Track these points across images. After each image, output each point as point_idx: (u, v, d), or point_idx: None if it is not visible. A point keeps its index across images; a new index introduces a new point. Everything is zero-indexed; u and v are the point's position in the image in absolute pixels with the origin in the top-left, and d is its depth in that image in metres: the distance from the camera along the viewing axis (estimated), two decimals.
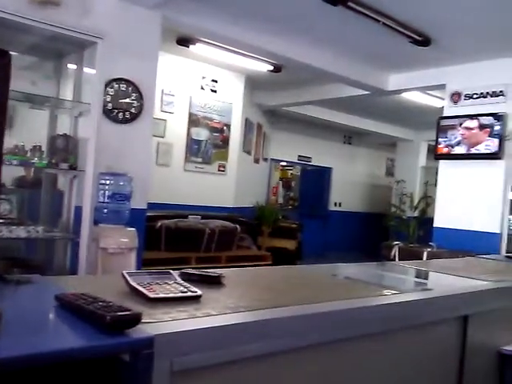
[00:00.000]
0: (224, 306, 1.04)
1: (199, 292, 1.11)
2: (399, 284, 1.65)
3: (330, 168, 10.83)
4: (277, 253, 7.11)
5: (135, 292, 1.09)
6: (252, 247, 7.06)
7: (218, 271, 1.56)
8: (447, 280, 1.83)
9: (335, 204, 10.99)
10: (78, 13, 3.80)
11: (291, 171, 12.09)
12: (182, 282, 1.18)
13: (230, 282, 1.37)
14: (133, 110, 4.29)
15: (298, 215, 10.11)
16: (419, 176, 10.30)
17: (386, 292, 1.41)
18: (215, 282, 1.31)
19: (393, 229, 9.17)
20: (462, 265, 2.27)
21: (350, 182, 11.12)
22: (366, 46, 5.41)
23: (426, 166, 10.11)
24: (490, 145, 5.32)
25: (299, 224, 8.68)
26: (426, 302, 1.41)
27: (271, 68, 6.22)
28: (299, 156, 10.26)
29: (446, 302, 1.47)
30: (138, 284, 1.11)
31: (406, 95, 7.10)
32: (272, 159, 9.79)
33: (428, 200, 8.58)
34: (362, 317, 1.22)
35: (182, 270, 1.32)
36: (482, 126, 5.36)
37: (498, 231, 5.43)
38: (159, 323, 0.92)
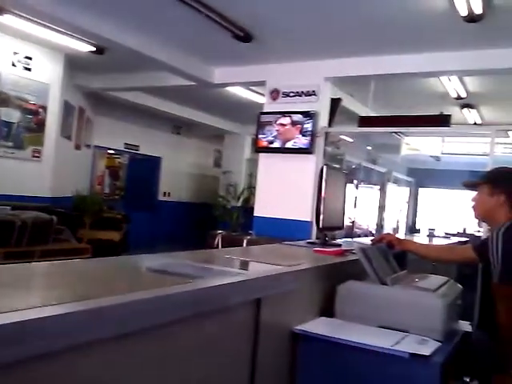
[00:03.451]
0: None
1: None
2: (197, 272, 1.66)
3: (159, 157, 10.71)
4: (100, 245, 6.80)
5: None
6: (71, 240, 6.63)
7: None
8: (245, 265, 1.90)
9: (164, 194, 10.92)
10: None
11: (119, 159, 11.64)
12: None
13: (6, 281, 1.23)
14: None
15: (126, 205, 9.82)
16: (244, 167, 10.77)
17: (180, 281, 1.40)
18: None
19: (219, 218, 9.45)
20: (266, 251, 2.40)
21: (179, 172, 11.14)
22: (192, 37, 5.43)
23: (251, 158, 10.60)
24: (302, 140, 5.76)
25: (125, 214, 8.43)
26: (219, 288, 1.43)
27: (93, 49, 5.87)
28: (126, 144, 9.93)
29: (238, 287, 1.52)
30: None
31: (231, 89, 7.33)
32: (96, 146, 9.31)
33: (252, 190, 9.01)
34: (149, 308, 1.19)
35: None
36: (294, 123, 5.78)
37: (310, 219, 5.91)
38: None
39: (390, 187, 9.72)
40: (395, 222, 10.46)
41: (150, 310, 1.20)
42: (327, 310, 2.01)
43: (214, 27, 4.83)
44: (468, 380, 2.19)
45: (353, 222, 8.38)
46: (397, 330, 1.81)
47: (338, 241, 3.50)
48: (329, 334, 1.74)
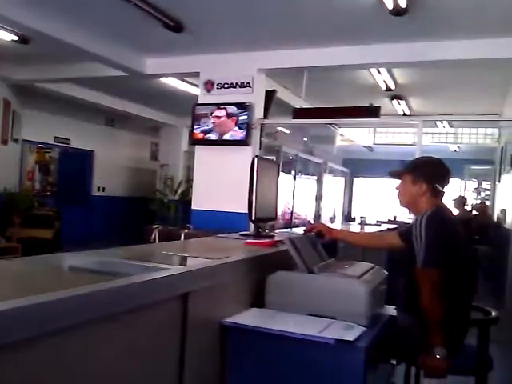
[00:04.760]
0: None
1: None
2: (122, 268, 1.62)
3: (92, 151, 10.37)
4: (31, 244, 6.53)
5: None
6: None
7: None
8: (173, 260, 1.87)
9: (98, 189, 10.60)
10: None
11: (49, 154, 11.16)
12: None
13: None
14: None
15: (58, 201, 9.46)
16: (182, 160, 10.64)
17: (101, 279, 1.36)
18: None
19: (157, 212, 9.31)
20: (197, 244, 2.38)
21: (114, 166, 10.84)
22: (121, 26, 5.27)
23: (188, 150, 10.48)
24: (238, 132, 5.75)
25: (57, 211, 8.13)
26: (142, 285, 1.40)
27: (16, 38, 5.57)
28: (56, 137, 9.55)
29: (163, 283, 1.49)
30: None
31: (166, 80, 7.20)
32: (24, 140, 8.88)
33: (191, 183, 8.94)
34: (65, 308, 1.15)
35: None
36: (229, 115, 5.76)
37: (247, 211, 5.92)
38: None
39: (327, 178, 9.93)
40: (332, 211, 10.70)
41: (66, 310, 1.15)
42: (258, 300, 2.02)
43: (144, 16, 4.70)
44: (395, 362, 2.29)
45: (291, 213, 8.49)
46: (324, 317, 1.84)
47: (277, 231, 3.53)
48: (257, 324, 1.75)
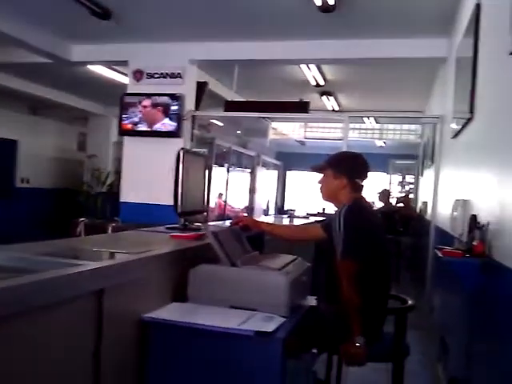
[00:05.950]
0: None
1: None
2: (34, 265, 1.54)
3: (15, 141, 9.83)
4: None
5: None
6: None
7: None
8: (89, 255, 1.81)
9: (22, 180, 10.08)
10: None
11: None
12: None
13: None
14: None
15: None
16: (111, 151, 10.33)
17: (10, 276, 1.29)
18: None
19: (85, 205, 9.00)
20: (119, 238, 2.32)
21: (39, 157, 10.33)
22: (46, 12, 5.02)
23: (118, 141, 10.18)
24: (168, 123, 5.66)
25: None
26: (53, 281, 1.34)
27: None
28: None
29: (76, 279, 1.44)
30: None
31: (94, 68, 6.95)
32: None
33: (120, 175, 8.69)
34: None
35: None
36: (159, 105, 5.65)
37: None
38: None
39: (260, 170, 9.98)
40: (265, 203, 10.79)
41: None
42: (181, 294, 2.00)
43: (70, 2, 4.50)
44: (316, 352, 2.34)
45: (225, 205, 8.49)
46: (246, 309, 1.85)
47: (209, 223, 3.51)
48: (178, 318, 1.73)
